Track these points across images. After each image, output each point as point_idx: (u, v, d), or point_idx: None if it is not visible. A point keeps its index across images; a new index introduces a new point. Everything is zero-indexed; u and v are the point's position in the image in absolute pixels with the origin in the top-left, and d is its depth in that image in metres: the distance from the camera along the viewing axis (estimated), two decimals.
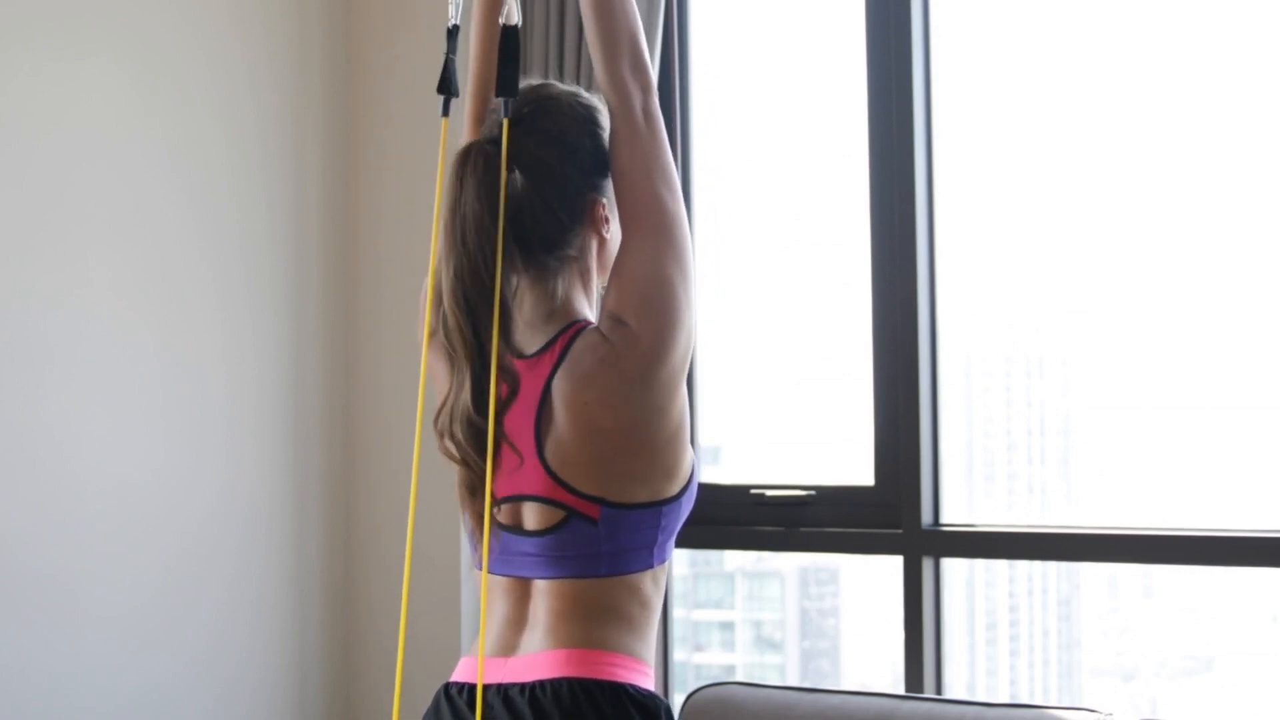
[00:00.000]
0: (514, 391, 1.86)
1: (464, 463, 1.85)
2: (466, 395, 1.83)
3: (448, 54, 1.90)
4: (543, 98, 1.96)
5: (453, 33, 1.91)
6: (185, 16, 3.21)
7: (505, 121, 1.85)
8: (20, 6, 2.90)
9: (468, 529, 1.94)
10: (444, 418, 1.86)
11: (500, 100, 1.91)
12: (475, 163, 1.87)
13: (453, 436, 1.85)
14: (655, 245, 1.86)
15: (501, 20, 1.88)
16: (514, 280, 1.90)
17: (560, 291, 1.94)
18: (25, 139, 2.90)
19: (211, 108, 3.26)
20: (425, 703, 1.97)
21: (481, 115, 2.03)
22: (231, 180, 3.30)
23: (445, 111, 1.89)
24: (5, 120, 2.87)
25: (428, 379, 2.00)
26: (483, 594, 1.74)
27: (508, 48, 1.87)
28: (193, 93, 3.22)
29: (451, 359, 1.86)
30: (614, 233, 1.96)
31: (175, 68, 3.19)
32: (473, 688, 1.87)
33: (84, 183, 3.00)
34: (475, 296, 1.83)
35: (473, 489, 1.86)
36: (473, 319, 1.83)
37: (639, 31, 1.93)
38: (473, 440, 1.83)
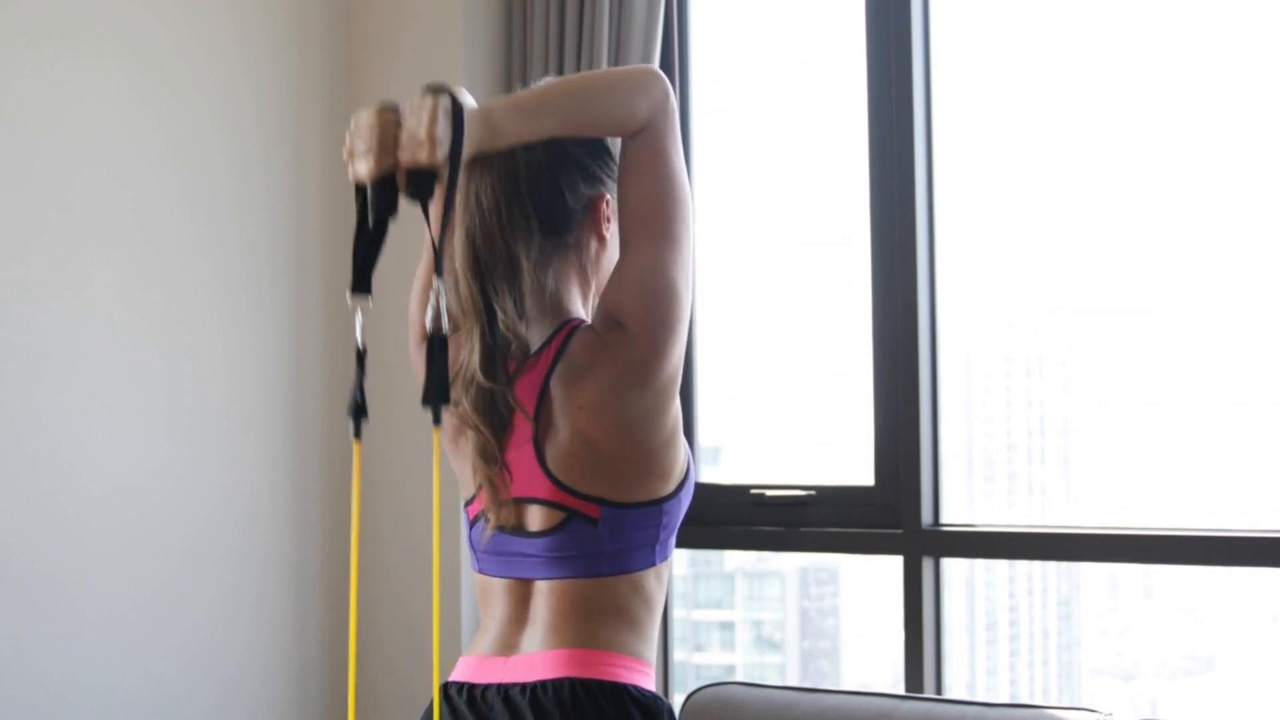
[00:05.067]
0: (523, 358, 1.84)
1: (475, 428, 1.84)
2: (476, 359, 1.82)
3: (357, 376, 1.74)
4: None
5: (361, 355, 1.75)
6: (185, 16, 3.21)
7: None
8: (20, 6, 2.90)
9: (468, 519, 1.93)
10: (457, 386, 1.85)
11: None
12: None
13: (460, 402, 1.84)
14: (663, 250, 1.85)
15: (428, 327, 1.69)
16: (524, 253, 1.86)
17: (551, 282, 1.91)
18: (25, 139, 2.90)
19: (211, 108, 3.26)
20: (426, 702, 1.96)
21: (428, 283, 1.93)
22: (231, 180, 3.29)
23: (357, 433, 1.72)
24: (5, 120, 2.87)
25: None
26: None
27: (433, 353, 1.69)
28: (193, 93, 3.22)
29: (459, 325, 1.85)
30: (613, 236, 1.95)
31: (175, 68, 3.19)
32: (471, 687, 1.86)
33: (84, 183, 3.00)
34: (486, 255, 1.82)
35: (485, 455, 1.84)
36: (481, 280, 1.82)
37: (617, 79, 1.88)
38: (482, 405, 1.83)
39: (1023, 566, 3.56)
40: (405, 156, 1.70)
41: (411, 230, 3.61)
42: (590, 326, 1.88)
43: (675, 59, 3.27)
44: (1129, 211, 3.12)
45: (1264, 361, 2.95)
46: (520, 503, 1.88)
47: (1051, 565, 3.54)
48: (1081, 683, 3.55)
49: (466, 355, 1.84)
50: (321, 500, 3.45)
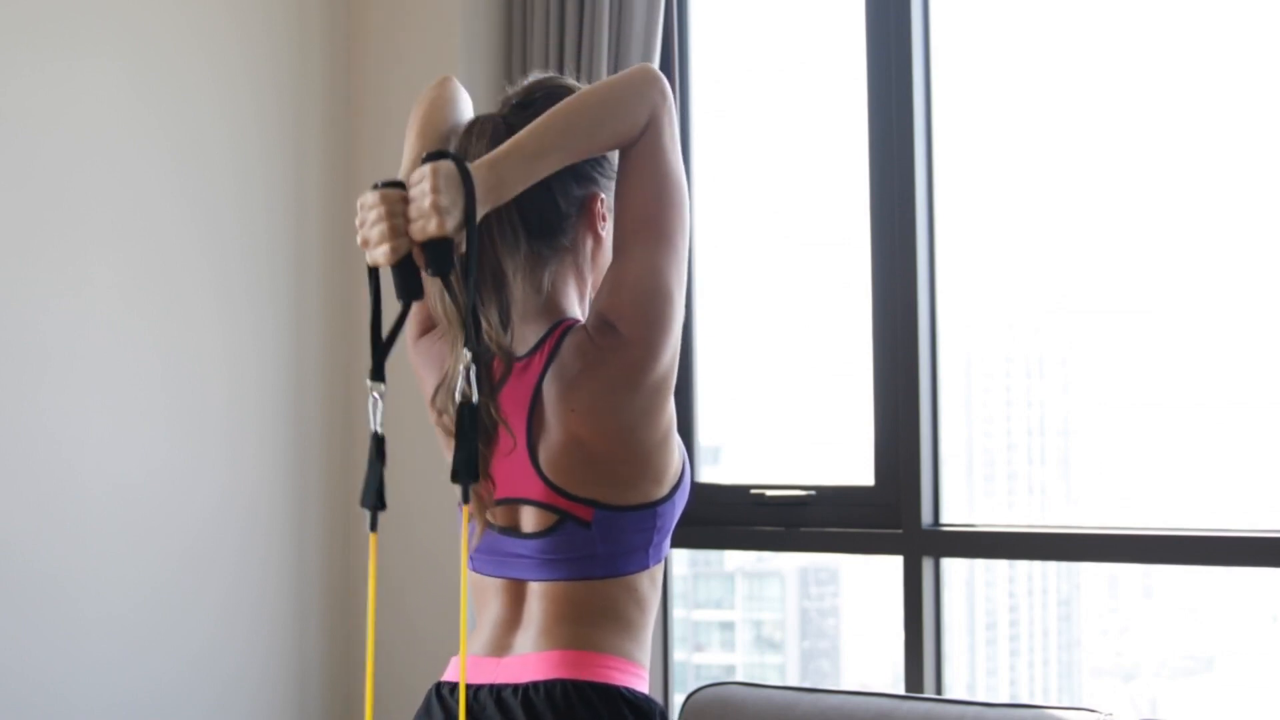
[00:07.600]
0: (508, 369, 1.84)
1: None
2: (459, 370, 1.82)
3: (372, 462, 1.67)
4: (555, 85, 1.95)
5: (380, 440, 1.68)
6: (185, 16, 3.21)
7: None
8: (20, 6, 2.90)
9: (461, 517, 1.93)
10: (441, 394, 1.85)
11: (514, 89, 1.91)
12: (483, 131, 1.86)
13: (447, 411, 1.84)
14: (659, 254, 1.83)
15: (457, 398, 1.68)
16: (511, 265, 1.85)
17: (548, 283, 1.91)
18: (25, 139, 2.90)
19: (211, 108, 3.26)
20: (419, 701, 1.96)
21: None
22: (231, 180, 3.30)
23: (373, 526, 1.65)
24: (5, 120, 2.87)
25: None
26: (463, 585, 1.72)
27: (463, 428, 1.67)
28: (193, 93, 3.22)
29: (446, 335, 1.85)
30: (609, 233, 1.94)
31: (175, 68, 3.19)
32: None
33: (84, 183, 3.00)
34: (473, 266, 1.81)
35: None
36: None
37: (614, 95, 1.84)
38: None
39: (1023, 566, 3.56)
40: (417, 232, 1.70)
41: None
42: (582, 327, 1.87)
43: (675, 59, 3.27)
44: (1129, 211, 3.12)
45: (1264, 361, 2.95)
46: (513, 503, 1.88)
47: (1051, 565, 3.54)
48: (1081, 683, 3.55)
49: (451, 365, 1.83)
50: (321, 500, 3.45)
